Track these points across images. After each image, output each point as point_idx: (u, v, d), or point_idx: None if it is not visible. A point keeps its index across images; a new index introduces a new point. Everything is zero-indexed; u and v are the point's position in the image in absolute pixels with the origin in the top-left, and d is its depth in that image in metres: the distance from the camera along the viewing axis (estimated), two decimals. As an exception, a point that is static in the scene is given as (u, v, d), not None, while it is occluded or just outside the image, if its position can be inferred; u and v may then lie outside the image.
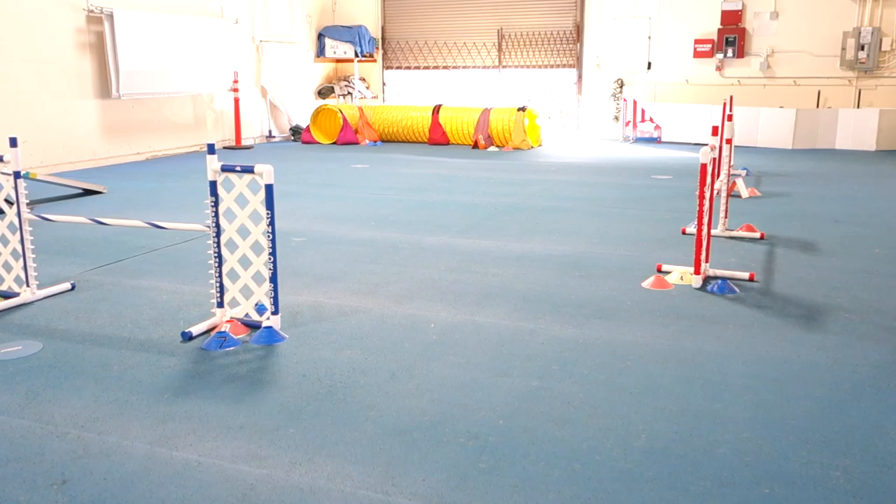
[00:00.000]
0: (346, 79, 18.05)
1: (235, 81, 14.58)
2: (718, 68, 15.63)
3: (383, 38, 18.16)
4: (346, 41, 17.42)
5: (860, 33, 14.47)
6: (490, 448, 3.19)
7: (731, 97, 9.28)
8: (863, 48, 14.46)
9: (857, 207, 8.62)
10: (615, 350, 4.30)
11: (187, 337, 4.42)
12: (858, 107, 14.78)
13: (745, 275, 5.67)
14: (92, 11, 11.82)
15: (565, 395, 3.72)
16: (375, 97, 18.23)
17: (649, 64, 16.10)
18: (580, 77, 16.77)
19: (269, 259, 4.43)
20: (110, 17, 11.91)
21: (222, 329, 4.42)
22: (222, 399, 3.67)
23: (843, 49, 14.67)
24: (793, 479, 2.96)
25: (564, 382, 3.87)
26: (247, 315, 4.64)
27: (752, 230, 7.15)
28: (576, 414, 3.51)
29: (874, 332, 4.59)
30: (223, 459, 3.10)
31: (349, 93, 17.84)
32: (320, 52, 17.64)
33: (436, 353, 4.27)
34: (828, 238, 7.06)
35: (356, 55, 17.47)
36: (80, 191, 9.36)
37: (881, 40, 14.46)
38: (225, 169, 4.45)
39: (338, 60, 17.96)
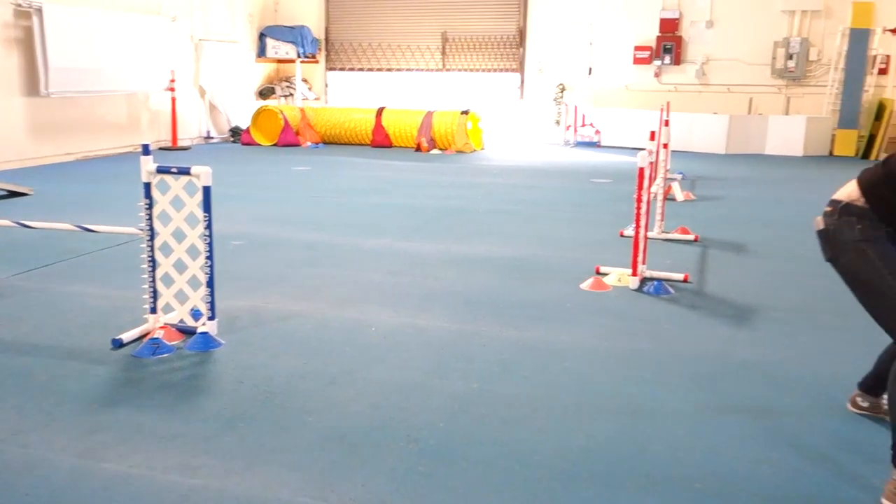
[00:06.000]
0: (287, 80, 17.85)
1: (172, 80, 14.27)
2: (656, 74, 15.95)
3: (326, 40, 18.02)
4: (288, 41, 17.22)
5: (789, 43, 14.94)
6: (430, 451, 3.19)
7: (668, 103, 9.49)
8: (791, 58, 14.94)
9: (786, 210, 8.89)
10: (555, 351, 4.34)
11: (118, 344, 4.29)
12: (787, 114, 15.26)
13: (680, 276, 5.80)
14: (20, 6, 11.42)
15: (505, 396, 3.74)
16: (318, 98, 18.08)
17: (590, 69, 16.34)
18: (522, 81, 16.92)
19: (206, 263, 4.34)
20: (39, 11, 11.52)
21: (155, 335, 4.31)
22: (155, 408, 3.58)
23: (774, 58, 15.13)
24: (724, 473, 3.03)
25: (505, 384, 3.89)
26: (181, 321, 4.53)
27: (686, 232, 7.31)
28: (516, 415, 3.53)
29: (801, 331, 4.74)
30: (155, 470, 3.02)
31: (291, 94, 17.65)
32: (261, 52, 17.40)
33: (376, 356, 4.25)
34: (758, 240, 7.26)
35: (298, 56, 17.29)
36: (5, 192, 9.04)
37: (809, 50, 14.95)
38: (160, 170, 4.34)
39: (279, 61, 17.75)
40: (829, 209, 2.99)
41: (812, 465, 3.11)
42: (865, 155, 14.20)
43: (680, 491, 2.91)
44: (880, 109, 14.11)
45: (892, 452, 2.76)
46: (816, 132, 14.62)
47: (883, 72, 14.55)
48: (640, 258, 5.65)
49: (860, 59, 14.30)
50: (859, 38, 14.24)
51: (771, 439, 3.32)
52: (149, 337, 4.32)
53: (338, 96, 18.26)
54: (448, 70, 17.41)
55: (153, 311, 4.50)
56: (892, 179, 2.76)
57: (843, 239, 2.89)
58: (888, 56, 14.48)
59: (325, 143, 15.74)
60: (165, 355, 4.20)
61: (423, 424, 3.43)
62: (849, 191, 2.92)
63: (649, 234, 6.28)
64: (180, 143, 14.68)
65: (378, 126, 15.29)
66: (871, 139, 14.20)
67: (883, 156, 13.91)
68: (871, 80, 14.48)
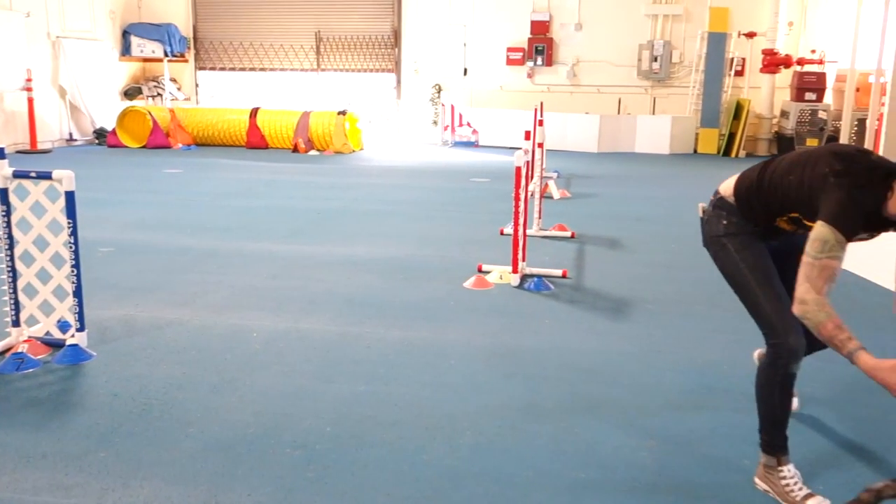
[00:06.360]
0: (154, 79, 17.14)
1: (28, 80, 13.42)
2: (529, 75, 16.36)
3: (195, 38, 17.42)
4: (154, 39, 16.53)
5: (653, 46, 15.68)
6: (318, 456, 3.14)
7: (542, 103, 9.74)
8: (656, 59, 15.68)
9: (656, 206, 9.33)
10: (439, 350, 4.38)
11: (-23, 360, 4.01)
12: (654, 113, 16.01)
13: (559, 272, 5.97)
14: None
15: (392, 397, 3.74)
16: (188, 99, 17.45)
17: (465, 70, 16.57)
18: (399, 82, 16.95)
19: (72, 272, 4.11)
20: None
21: (19, 350, 4.04)
22: (21, 426, 3.35)
23: (640, 60, 15.83)
24: (605, 462, 3.14)
25: (391, 385, 3.89)
26: (48, 333, 4.27)
27: (563, 229, 7.53)
28: (403, 415, 3.54)
29: (673, 321, 4.98)
30: (23, 493, 2.84)
31: (159, 94, 16.96)
32: (125, 50, 16.63)
33: (259, 363, 4.15)
34: (631, 235, 7.58)
35: (166, 55, 16.63)
36: None
37: (671, 53, 15.74)
38: (17, 175, 4.08)
39: (146, 60, 17.01)
40: (711, 198, 3.10)
41: (688, 450, 3.27)
42: (726, 152, 15.07)
43: (565, 481, 3.00)
44: (738, 109, 15.03)
45: (760, 438, 2.94)
46: (681, 131, 15.40)
47: (739, 73, 15.51)
48: (519, 255, 5.78)
49: (718, 62, 15.17)
50: (717, 42, 15.11)
51: (649, 427, 3.47)
52: (12, 351, 4.05)
53: (209, 97, 17.70)
54: (323, 70, 17.22)
55: (16, 324, 4.22)
56: (762, 190, 2.87)
57: (711, 231, 3.03)
58: (743, 59, 15.45)
59: (197, 144, 15.22)
60: (31, 370, 3.94)
61: (309, 430, 3.38)
62: (727, 185, 3.01)
63: (528, 232, 6.43)
64: (40, 146, 13.84)
65: (253, 127, 14.94)
66: (731, 137, 15.09)
67: (743, 153, 14.82)
68: (728, 81, 15.40)
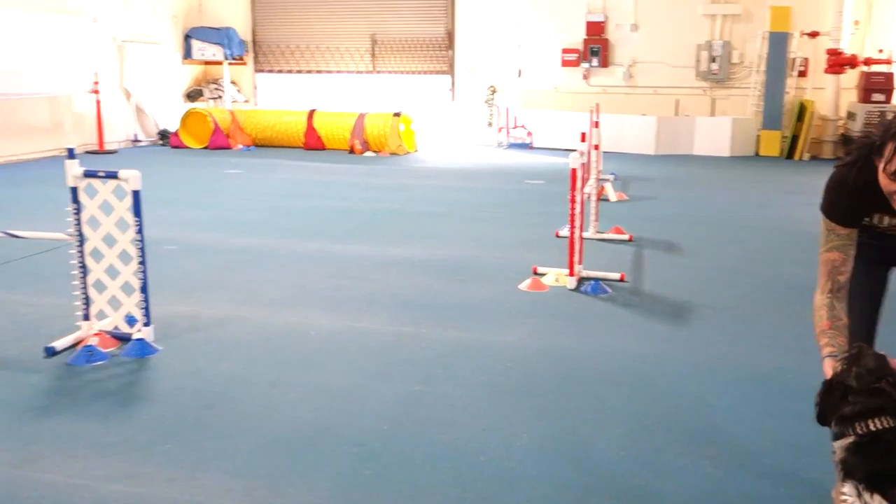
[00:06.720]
0: (215, 82, 17.50)
1: (96, 83, 13.85)
2: (585, 77, 16.22)
3: (254, 41, 17.74)
4: (214, 43, 16.89)
5: (712, 46, 15.40)
6: (375, 454, 3.18)
7: (598, 105, 9.66)
8: (714, 60, 15.40)
9: (715, 210, 9.17)
10: (496, 352, 4.38)
11: (51, 352, 4.15)
12: (713, 115, 15.72)
13: (616, 275, 5.91)
14: (-68, 5, 10.93)
15: (448, 397, 3.75)
16: (247, 101, 17.78)
17: (520, 71, 16.52)
18: (453, 83, 16.99)
19: (139, 268, 4.24)
20: (-46, 11, 11.05)
21: (89, 343, 4.18)
22: (92, 416, 3.47)
23: (698, 61, 15.56)
24: (666, 469, 3.10)
25: (447, 385, 3.90)
26: (116, 327, 4.41)
27: (620, 232, 7.45)
28: (459, 416, 3.55)
29: (733, 328, 4.89)
30: (95, 480, 2.94)
31: (219, 96, 17.31)
32: (187, 53, 17.03)
33: (317, 360, 4.22)
34: (689, 239, 7.46)
35: (226, 58, 16.98)
36: (-78, 198, 8.61)
37: (731, 53, 15.44)
38: (87, 174, 4.23)
39: (206, 63, 17.39)
40: None
41: (752, 461, 3.21)
42: (789, 155, 14.71)
43: (623, 487, 2.97)
44: (801, 111, 14.65)
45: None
46: (742, 133, 15.08)
47: (802, 74, 15.10)
48: (576, 258, 5.75)
49: (780, 62, 14.82)
50: (778, 42, 14.77)
51: (710, 435, 3.41)
52: (83, 344, 4.20)
53: (267, 98, 18.00)
54: (378, 72, 17.36)
55: (86, 317, 4.37)
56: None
57: None
58: (806, 59, 15.06)
59: (256, 146, 15.50)
60: (100, 363, 4.08)
61: (367, 428, 3.42)
62: None
63: (584, 235, 6.39)
64: (107, 147, 14.25)
65: (310, 128, 15.15)
66: (795, 140, 14.73)
67: (807, 156, 14.45)
68: (791, 82, 15.02)
